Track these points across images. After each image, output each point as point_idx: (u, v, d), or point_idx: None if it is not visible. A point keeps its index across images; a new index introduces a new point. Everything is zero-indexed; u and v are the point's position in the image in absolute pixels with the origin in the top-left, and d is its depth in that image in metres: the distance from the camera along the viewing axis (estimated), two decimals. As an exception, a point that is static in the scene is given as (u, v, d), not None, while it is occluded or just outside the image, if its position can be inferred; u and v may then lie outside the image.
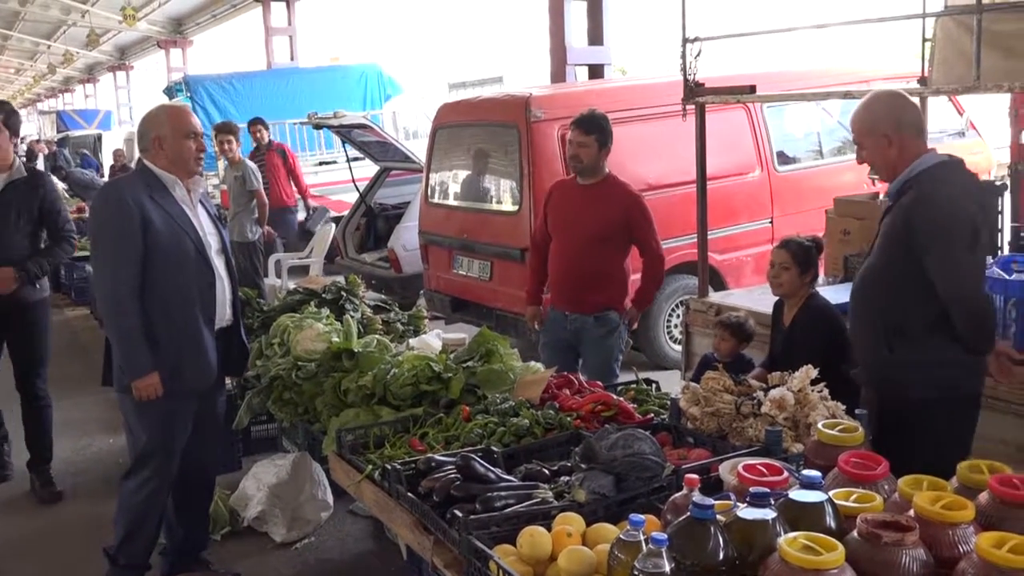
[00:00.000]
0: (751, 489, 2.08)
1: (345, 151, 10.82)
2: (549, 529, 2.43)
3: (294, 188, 10.94)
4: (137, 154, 4.25)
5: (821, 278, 4.45)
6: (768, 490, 2.08)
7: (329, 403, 4.16)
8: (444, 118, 8.16)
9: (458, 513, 2.54)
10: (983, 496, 2.08)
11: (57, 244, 5.30)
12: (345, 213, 10.92)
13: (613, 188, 4.94)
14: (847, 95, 5.76)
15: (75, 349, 9.07)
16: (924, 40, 5.33)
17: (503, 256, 7.11)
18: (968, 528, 1.97)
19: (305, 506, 4.79)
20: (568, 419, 3.39)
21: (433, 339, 4.80)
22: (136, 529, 3.95)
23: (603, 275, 4.94)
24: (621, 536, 2.09)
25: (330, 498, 4.85)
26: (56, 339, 5.69)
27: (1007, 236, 5.49)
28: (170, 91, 17.16)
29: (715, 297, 5.98)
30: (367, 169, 10.95)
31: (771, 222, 7.58)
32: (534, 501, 2.65)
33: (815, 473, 2.17)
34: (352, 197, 10.97)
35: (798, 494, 2.09)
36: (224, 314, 4.02)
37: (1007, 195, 5.65)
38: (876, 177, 3.76)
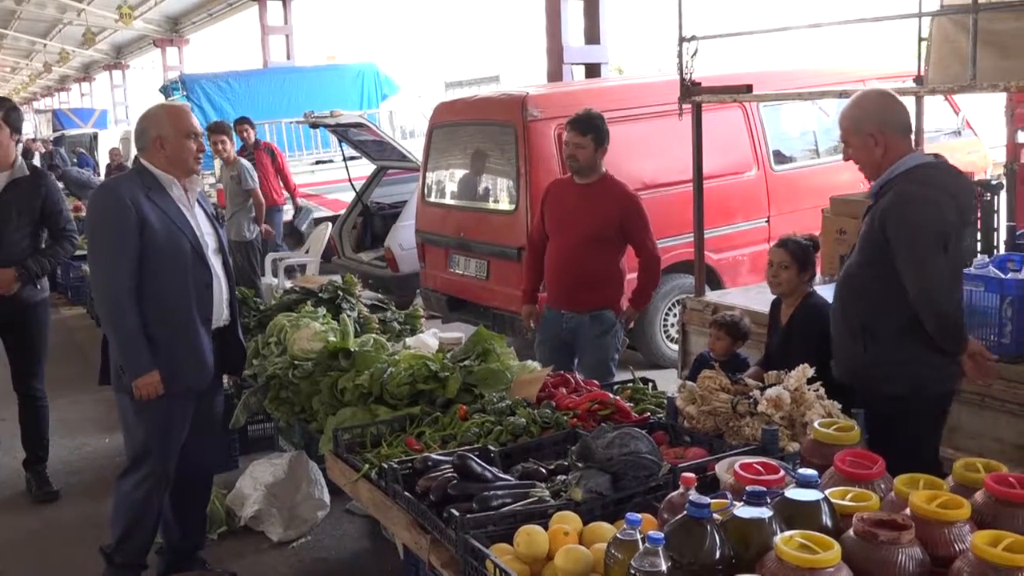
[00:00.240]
0: (747, 488, 2.08)
1: (342, 150, 10.83)
2: (546, 528, 2.43)
3: (282, 187, 10.94)
4: (133, 153, 4.24)
5: (817, 277, 4.46)
6: (764, 489, 2.09)
7: (326, 402, 4.15)
8: (441, 117, 8.17)
9: (455, 512, 2.54)
10: (979, 495, 2.08)
11: (58, 243, 5.28)
12: (342, 212, 10.92)
13: (610, 188, 4.95)
14: (843, 94, 5.75)
15: (71, 348, 9.06)
16: (920, 39, 5.34)
17: (500, 255, 7.11)
18: (964, 526, 1.97)
19: (302, 505, 4.79)
20: (565, 418, 3.39)
21: (430, 338, 4.80)
22: (133, 528, 3.94)
23: (599, 274, 4.94)
24: (618, 535, 2.09)
25: (327, 497, 4.85)
26: (52, 339, 5.68)
27: (1003, 235, 5.50)
28: (166, 90, 17.14)
29: (711, 296, 5.99)
30: (364, 168, 10.94)
31: (767, 221, 7.59)
32: (531, 500, 2.65)
33: (811, 472, 2.18)
34: (349, 196, 10.97)
35: (794, 493, 2.10)
36: (221, 314, 4.01)
37: (1003, 194, 5.65)
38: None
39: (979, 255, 4.70)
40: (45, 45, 31.13)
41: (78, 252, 6.00)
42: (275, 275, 9.68)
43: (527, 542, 2.38)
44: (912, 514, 2.00)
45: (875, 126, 3.23)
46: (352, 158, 10.88)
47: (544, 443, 3.21)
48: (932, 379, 3.23)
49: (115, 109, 33.05)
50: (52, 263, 5.33)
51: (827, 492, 2.14)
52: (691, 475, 2.21)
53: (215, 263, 3.94)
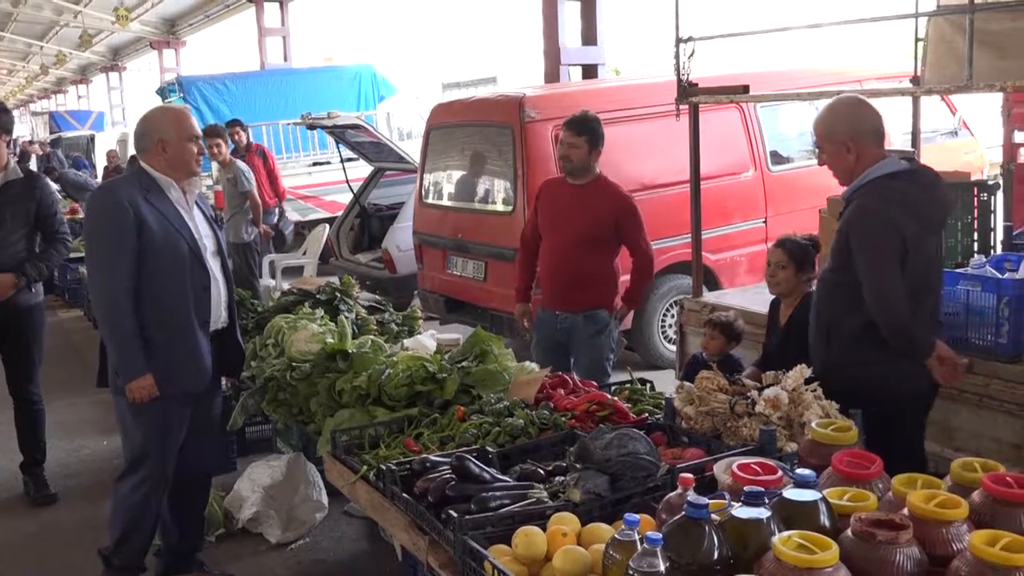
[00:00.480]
0: (745, 488, 2.08)
1: (339, 152, 10.82)
2: (544, 529, 2.43)
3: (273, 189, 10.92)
4: (129, 153, 4.24)
5: (815, 277, 4.47)
6: (763, 489, 2.09)
7: (324, 404, 4.15)
8: (438, 118, 8.17)
9: (453, 513, 2.54)
10: (977, 494, 2.09)
11: (52, 246, 5.28)
12: (339, 214, 10.91)
13: (603, 189, 4.96)
14: (840, 95, 5.77)
15: (68, 351, 9.05)
16: (917, 39, 5.34)
17: (497, 256, 7.11)
18: (962, 526, 1.98)
19: (300, 507, 4.79)
20: (563, 419, 3.39)
21: (427, 339, 4.80)
22: (131, 531, 3.94)
23: (592, 274, 4.96)
24: (616, 536, 2.09)
25: (325, 499, 4.85)
26: (49, 341, 5.68)
27: (999, 235, 5.49)
28: (163, 92, 17.10)
29: (709, 297, 5.99)
30: (361, 170, 10.94)
31: (765, 222, 7.60)
32: (529, 501, 2.65)
33: (809, 472, 2.18)
34: (346, 198, 10.96)
35: (792, 493, 2.10)
36: (219, 316, 4.01)
37: (999, 194, 5.65)
38: None
39: (976, 255, 4.70)
40: (42, 47, 31.10)
41: (76, 255, 6.00)
42: (273, 277, 9.68)
43: (525, 543, 2.38)
44: (910, 514, 2.00)
45: (847, 134, 3.34)
46: (349, 160, 10.87)
47: (542, 444, 3.21)
48: (894, 380, 3.29)
49: (112, 111, 33.01)
50: (48, 268, 5.33)
51: (825, 492, 2.14)
52: (689, 476, 2.21)
53: (213, 265, 3.94)
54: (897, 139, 7.96)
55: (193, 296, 3.83)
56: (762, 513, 2.01)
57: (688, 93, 5.48)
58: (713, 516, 2.00)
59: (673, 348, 6.70)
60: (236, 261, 8.71)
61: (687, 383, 3.35)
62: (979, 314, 4.08)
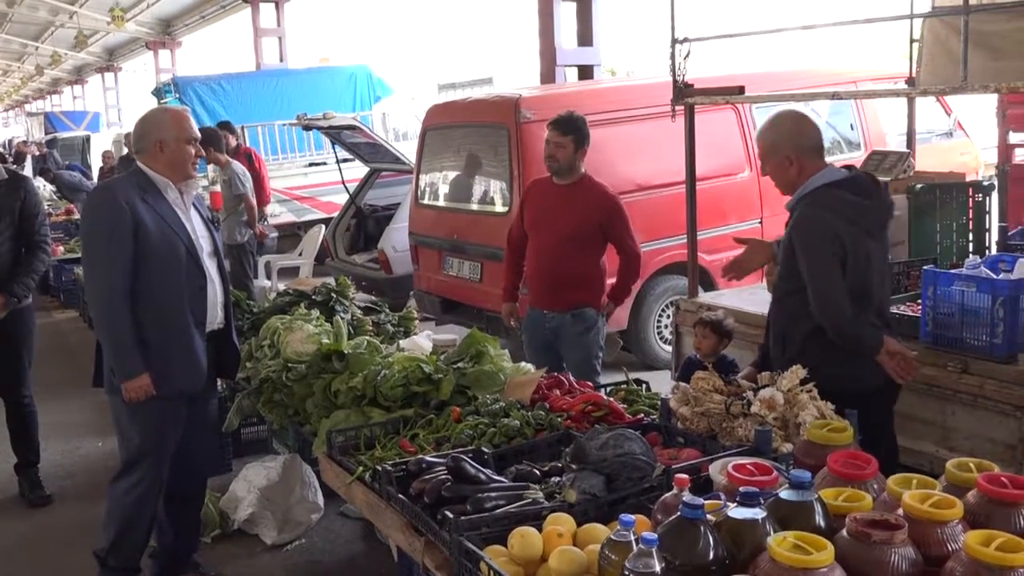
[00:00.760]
0: (741, 489, 2.09)
1: (335, 152, 10.81)
2: (540, 530, 2.43)
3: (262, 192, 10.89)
4: (123, 151, 4.25)
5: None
6: (758, 490, 2.09)
7: (319, 405, 4.15)
8: (434, 119, 8.17)
9: (449, 514, 2.53)
10: (971, 494, 2.09)
11: (35, 256, 5.25)
12: (335, 214, 10.90)
13: (589, 189, 4.97)
14: (835, 96, 5.78)
15: (63, 352, 9.04)
16: (912, 41, 5.36)
17: (493, 257, 7.10)
18: (957, 526, 1.98)
19: (295, 508, 4.79)
20: (558, 419, 3.39)
21: (423, 340, 4.80)
22: (126, 532, 3.94)
23: (579, 273, 4.98)
24: (612, 536, 2.09)
25: (321, 500, 4.85)
26: (45, 342, 5.68)
27: (995, 236, 5.51)
28: (159, 92, 17.08)
29: (705, 297, 5.99)
30: (357, 170, 10.94)
31: (760, 222, 7.60)
32: (525, 502, 2.65)
33: (804, 472, 2.18)
34: (342, 198, 10.96)
35: (788, 493, 2.10)
36: (215, 317, 4.01)
37: (994, 195, 5.67)
38: None
39: (971, 256, 4.71)
40: (37, 48, 31.02)
41: (71, 255, 6.00)
42: (269, 277, 9.67)
43: (521, 544, 2.38)
44: (905, 514, 2.00)
45: (790, 148, 3.50)
46: (345, 160, 10.87)
47: (538, 445, 3.21)
48: (848, 380, 3.31)
49: (107, 112, 32.93)
50: (34, 280, 5.31)
51: (820, 492, 2.15)
52: (685, 476, 2.21)
53: (210, 266, 3.94)
54: (893, 140, 7.99)
55: (189, 296, 3.83)
56: (757, 513, 2.02)
57: (684, 94, 5.48)
58: (709, 516, 2.00)
59: (669, 349, 6.70)
60: (230, 262, 8.69)
61: (683, 384, 3.36)
62: (974, 315, 4.08)
